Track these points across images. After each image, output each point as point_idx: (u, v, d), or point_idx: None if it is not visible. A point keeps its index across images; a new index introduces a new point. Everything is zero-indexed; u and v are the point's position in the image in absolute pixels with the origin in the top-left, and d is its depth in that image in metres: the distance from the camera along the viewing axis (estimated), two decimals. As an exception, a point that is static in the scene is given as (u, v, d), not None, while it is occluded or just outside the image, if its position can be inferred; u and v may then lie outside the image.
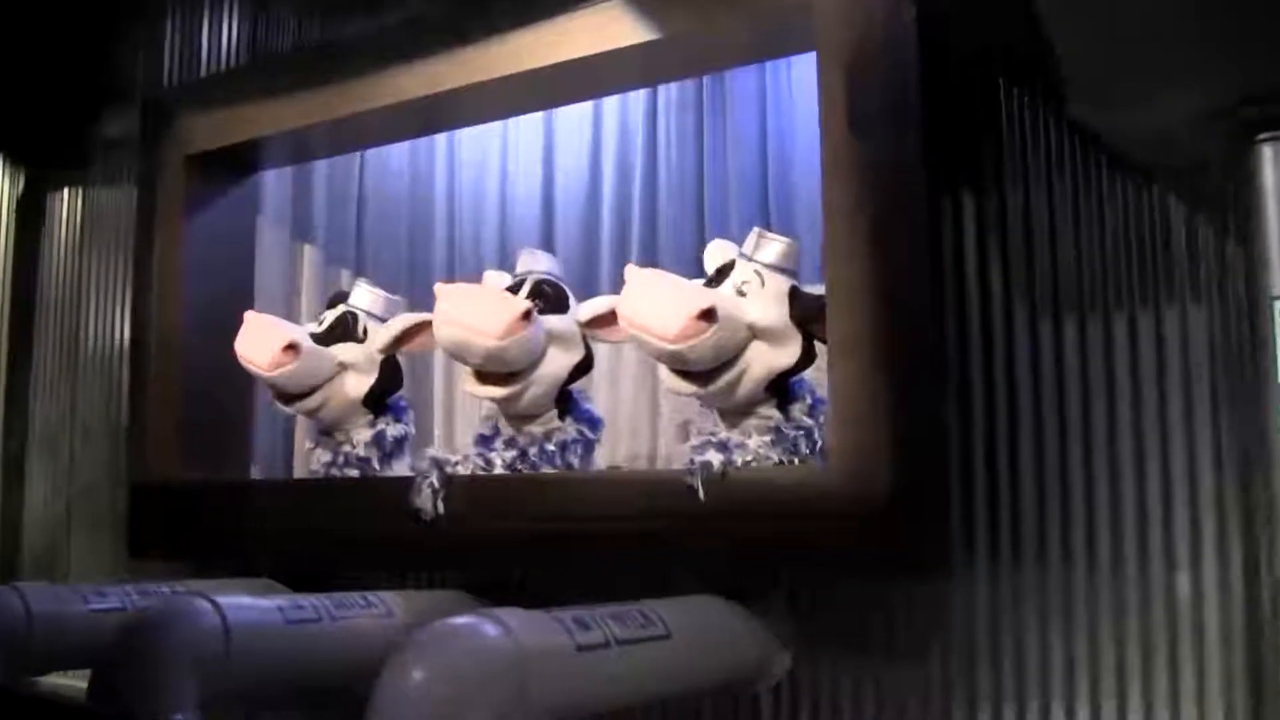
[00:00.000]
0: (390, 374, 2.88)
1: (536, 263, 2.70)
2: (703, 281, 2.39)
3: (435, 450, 2.56)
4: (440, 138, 3.45)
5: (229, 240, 3.12)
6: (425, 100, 2.75)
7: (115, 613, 2.41)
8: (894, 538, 2.00)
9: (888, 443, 2.01)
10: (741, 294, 2.30)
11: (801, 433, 2.29)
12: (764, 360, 2.25)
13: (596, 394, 3.02)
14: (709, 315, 2.14)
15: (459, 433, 3.26)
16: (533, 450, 2.55)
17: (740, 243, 2.56)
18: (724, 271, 2.36)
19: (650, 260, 3.08)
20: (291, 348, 2.67)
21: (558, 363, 2.55)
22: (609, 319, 2.54)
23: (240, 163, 3.10)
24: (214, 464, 3.01)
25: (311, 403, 2.76)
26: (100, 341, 3.45)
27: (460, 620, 1.68)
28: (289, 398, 2.76)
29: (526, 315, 2.43)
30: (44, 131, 3.56)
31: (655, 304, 2.18)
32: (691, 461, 2.20)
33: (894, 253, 2.04)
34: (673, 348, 2.15)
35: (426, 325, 2.72)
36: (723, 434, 2.26)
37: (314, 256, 3.39)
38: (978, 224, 2.17)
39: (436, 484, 2.46)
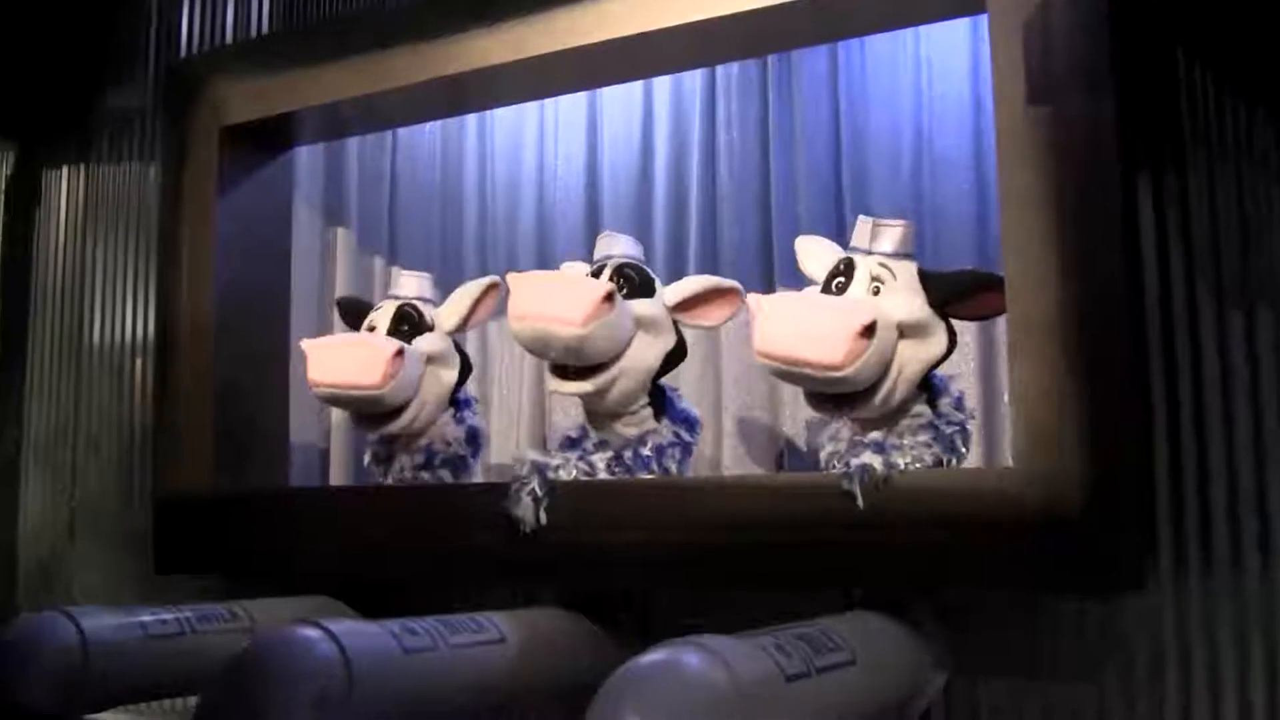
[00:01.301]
0: (464, 359, 2.67)
1: (616, 245, 2.49)
2: (818, 288, 2.20)
3: (534, 453, 2.29)
4: (472, 117, 3.18)
5: (265, 222, 2.84)
6: (473, 75, 2.54)
7: (175, 639, 2.14)
8: (1088, 548, 1.80)
9: (1079, 444, 1.81)
10: (875, 292, 2.10)
11: (956, 429, 2.11)
12: (916, 357, 2.07)
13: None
14: (871, 330, 1.95)
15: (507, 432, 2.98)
16: (627, 454, 2.33)
17: (814, 233, 2.43)
18: (843, 272, 2.15)
19: (710, 252, 2.83)
20: (400, 354, 2.43)
21: (648, 351, 2.35)
22: (700, 301, 2.39)
23: (278, 137, 2.83)
24: (249, 474, 2.73)
25: (406, 416, 2.50)
26: (108, 336, 3.12)
27: (668, 654, 1.45)
28: (381, 418, 2.50)
29: (609, 298, 2.23)
30: (38, 103, 3.22)
31: (807, 330, 1.99)
32: (847, 465, 1.98)
33: (1084, 239, 1.84)
34: (841, 374, 1.94)
35: (494, 288, 2.59)
36: (874, 433, 2.04)
37: (347, 242, 3.09)
38: (1156, 207, 1.96)
39: (539, 491, 2.21)
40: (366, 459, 2.65)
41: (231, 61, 2.81)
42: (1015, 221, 1.89)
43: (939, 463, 2.03)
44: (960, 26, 2.52)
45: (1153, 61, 1.96)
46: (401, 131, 3.18)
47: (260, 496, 2.62)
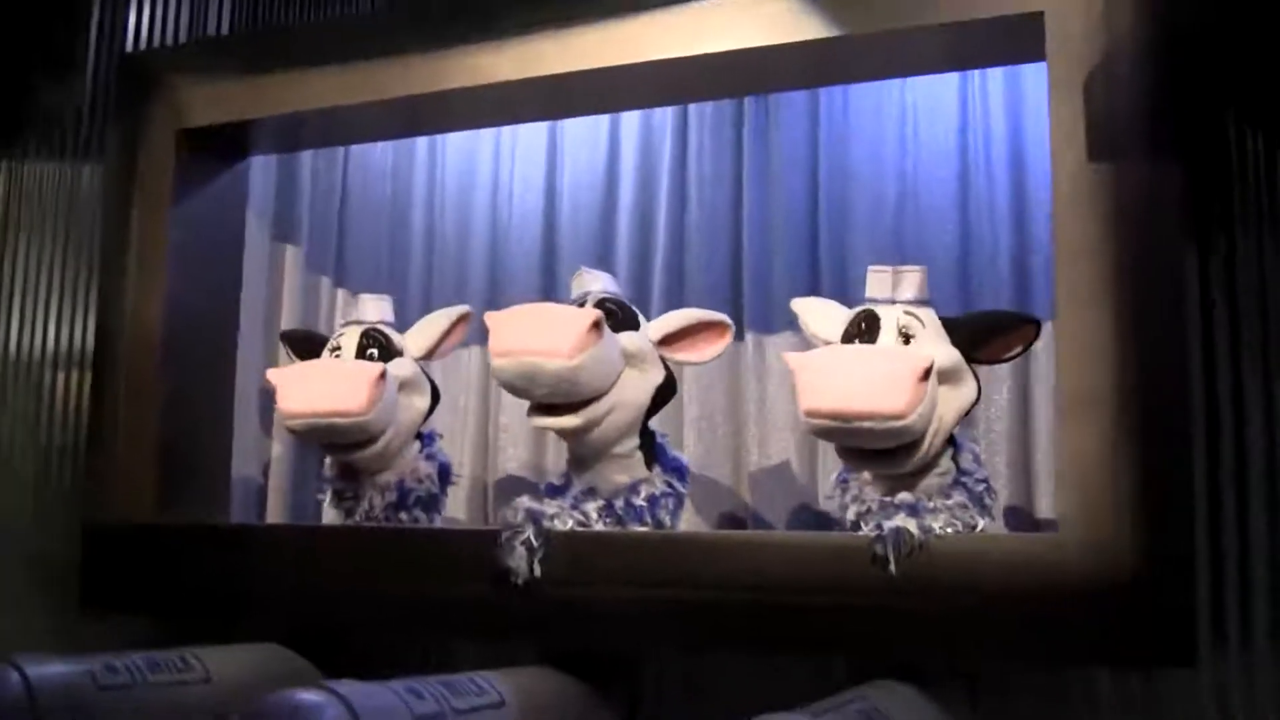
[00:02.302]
0: (433, 388, 2.50)
1: (595, 282, 2.36)
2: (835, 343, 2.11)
3: (528, 500, 2.14)
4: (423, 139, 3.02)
5: (218, 233, 2.63)
6: (450, 94, 2.41)
7: (127, 691, 1.94)
8: (1140, 620, 1.73)
9: (1131, 514, 1.75)
10: (906, 342, 2.03)
11: (983, 486, 2.05)
12: (952, 406, 2.00)
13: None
14: (929, 374, 1.87)
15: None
16: (618, 503, 2.20)
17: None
18: (866, 326, 2.06)
19: (676, 288, 2.72)
20: (383, 376, 2.27)
21: (637, 386, 2.23)
22: (687, 334, 2.29)
23: (237, 144, 2.63)
24: (188, 505, 2.50)
25: (380, 444, 2.32)
26: (24, 347, 2.85)
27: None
28: (353, 446, 2.31)
29: (596, 326, 2.10)
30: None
31: (865, 380, 1.89)
32: (879, 528, 1.88)
33: (1141, 300, 1.79)
34: (904, 423, 1.86)
35: (464, 319, 2.49)
36: (904, 494, 1.95)
37: (295, 260, 2.89)
38: (1202, 272, 1.93)
39: (535, 541, 2.06)
40: (326, 498, 2.46)
41: (192, 59, 2.60)
42: (1070, 281, 1.83)
43: (972, 526, 1.95)
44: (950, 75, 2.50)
45: (1204, 125, 1.93)
46: (354, 146, 3.01)
47: (218, 530, 2.41)
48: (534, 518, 2.09)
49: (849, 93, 2.65)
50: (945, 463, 2.02)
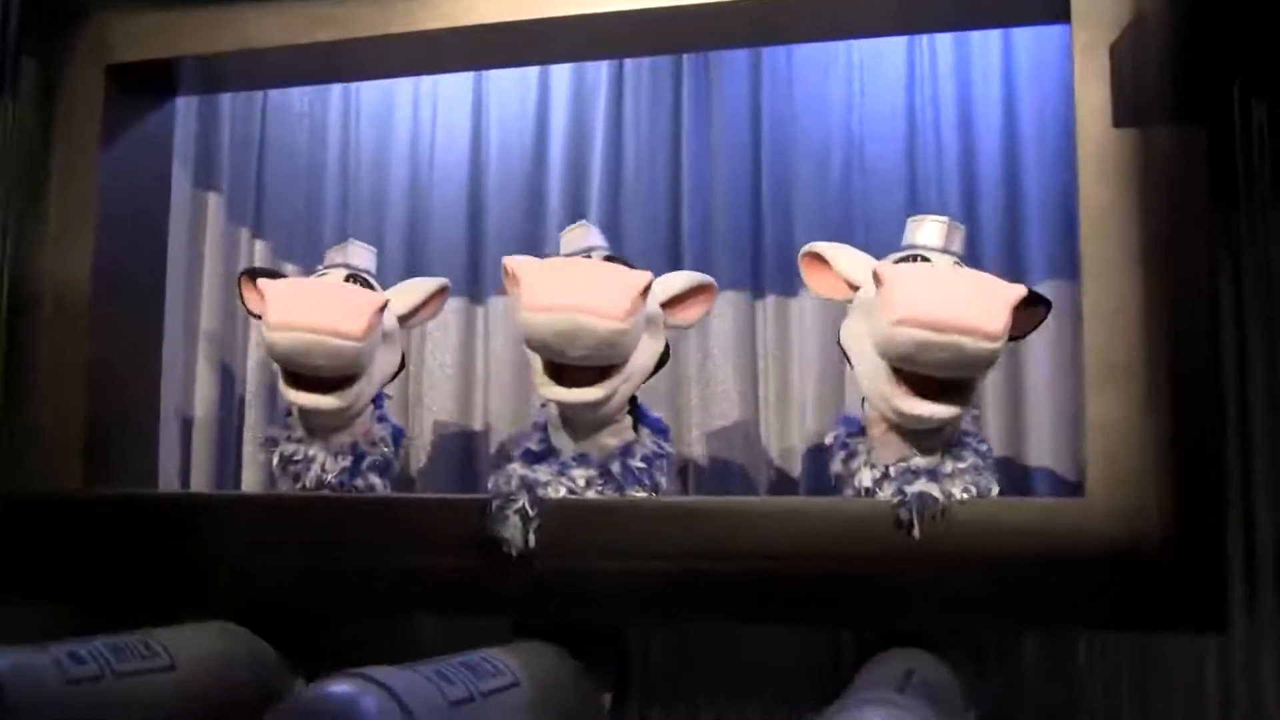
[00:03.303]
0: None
1: (591, 238, 2.26)
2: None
3: (519, 466, 2.03)
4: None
5: (146, 180, 2.41)
6: (375, 41, 2.27)
7: (97, 683, 1.75)
8: (1166, 585, 1.75)
9: (1158, 478, 1.77)
10: None
11: (986, 447, 2.03)
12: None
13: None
14: (1017, 307, 1.82)
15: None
16: (614, 466, 2.10)
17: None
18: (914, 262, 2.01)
19: (615, 247, 2.62)
20: (382, 310, 2.14)
21: (647, 352, 2.13)
22: (683, 298, 2.19)
23: (166, 83, 2.41)
24: (117, 477, 2.30)
25: (355, 388, 2.18)
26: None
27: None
28: (330, 383, 2.15)
29: (646, 291, 2.00)
30: None
31: (966, 296, 1.82)
32: (901, 493, 1.85)
33: (1169, 267, 1.79)
34: (996, 345, 1.79)
35: (443, 292, 2.37)
36: (919, 459, 1.92)
37: (217, 209, 2.68)
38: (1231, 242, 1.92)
39: (530, 510, 1.96)
40: (274, 460, 2.29)
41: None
42: (1096, 248, 1.82)
43: (987, 489, 1.92)
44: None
45: (1228, 91, 1.93)
46: (273, 90, 2.81)
47: (159, 501, 2.22)
48: (528, 485, 1.98)
49: (793, 49, 2.59)
50: (956, 423, 1.99)
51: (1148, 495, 1.76)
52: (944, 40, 2.50)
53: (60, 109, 2.28)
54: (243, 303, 2.33)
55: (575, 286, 1.97)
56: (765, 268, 2.59)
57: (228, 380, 2.68)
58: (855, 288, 2.05)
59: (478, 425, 2.70)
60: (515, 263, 2.03)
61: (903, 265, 1.93)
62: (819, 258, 2.10)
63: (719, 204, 2.62)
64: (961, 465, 1.91)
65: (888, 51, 2.55)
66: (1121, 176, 1.81)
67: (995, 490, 1.94)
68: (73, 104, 2.27)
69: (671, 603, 1.95)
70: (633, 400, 2.19)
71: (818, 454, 2.45)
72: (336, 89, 2.85)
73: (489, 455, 2.67)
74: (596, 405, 2.05)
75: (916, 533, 1.82)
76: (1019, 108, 2.46)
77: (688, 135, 2.66)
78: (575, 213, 2.70)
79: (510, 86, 2.80)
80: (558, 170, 2.74)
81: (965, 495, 1.86)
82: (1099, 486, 1.79)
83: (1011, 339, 2.01)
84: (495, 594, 1.99)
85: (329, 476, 2.24)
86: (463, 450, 2.70)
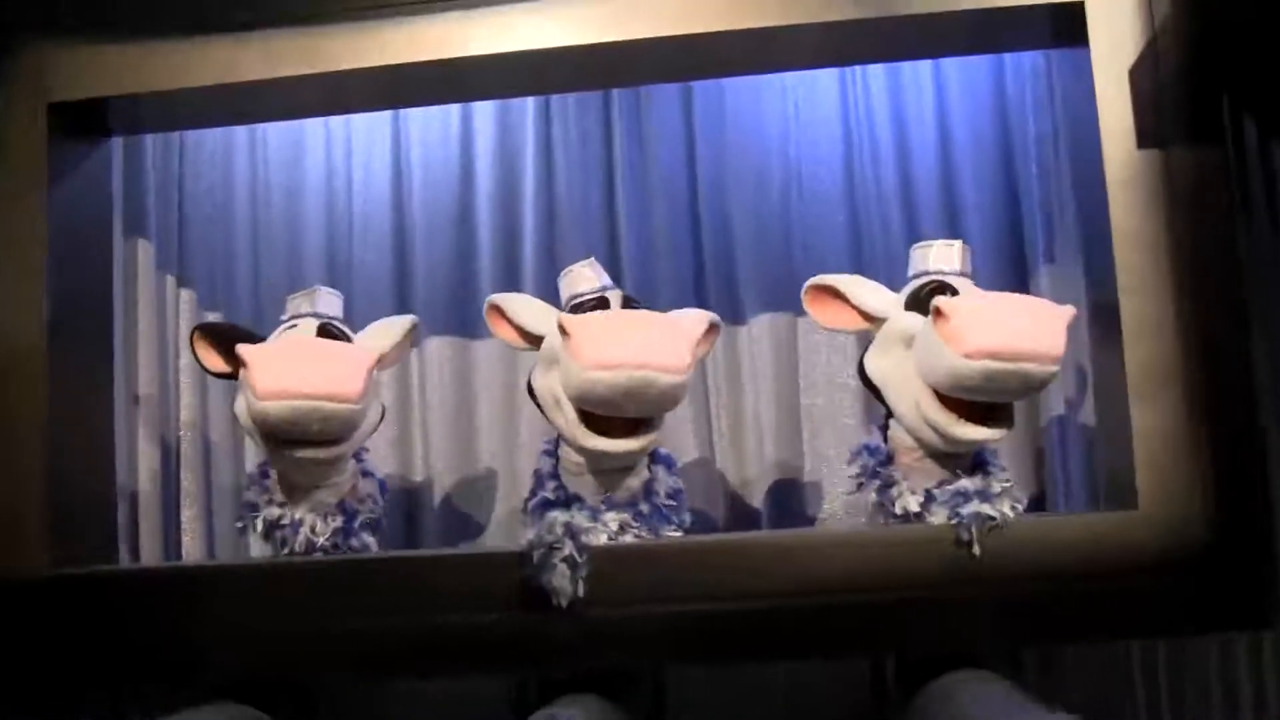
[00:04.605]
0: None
1: (603, 276, 2.18)
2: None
3: (560, 512, 1.95)
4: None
5: (91, 226, 2.20)
6: (288, 81, 2.14)
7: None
8: (1215, 590, 1.82)
9: (1203, 488, 1.83)
10: None
11: (1000, 465, 2.05)
12: None
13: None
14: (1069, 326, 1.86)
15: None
16: (644, 507, 2.05)
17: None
18: (935, 291, 2.01)
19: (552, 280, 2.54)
20: (374, 366, 1.99)
21: None
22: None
23: (104, 122, 2.22)
24: (82, 553, 2.09)
25: (344, 446, 2.04)
26: None
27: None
28: (326, 443, 2.00)
29: (711, 329, 1.98)
30: None
31: (1028, 322, 1.83)
32: (957, 514, 1.86)
33: (1198, 279, 1.87)
34: (1055, 369, 1.82)
35: (413, 330, 2.24)
36: (964, 482, 1.93)
37: (147, 257, 2.48)
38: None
39: (578, 557, 1.88)
40: (258, 525, 2.12)
41: (62, 19, 2.14)
42: (1128, 264, 1.88)
43: (1023, 506, 1.95)
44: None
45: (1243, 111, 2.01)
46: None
47: (141, 577, 2.02)
48: (573, 532, 1.90)
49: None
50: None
51: (1195, 503, 1.82)
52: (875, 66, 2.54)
53: (3, 148, 2.06)
54: (198, 361, 2.16)
55: (640, 342, 1.88)
56: (709, 296, 2.56)
57: (165, 444, 2.49)
58: (872, 319, 2.06)
59: (418, 477, 2.59)
60: (569, 319, 1.94)
61: (958, 299, 1.93)
62: (829, 290, 2.09)
63: (658, 234, 2.59)
64: (1007, 485, 1.94)
65: (821, 76, 2.58)
66: (1148, 195, 1.88)
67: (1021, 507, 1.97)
68: (15, 143, 2.06)
69: (725, 643, 1.90)
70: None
71: (781, 485, 2.48)
72: (243, 129, 2.69)
73: (434, 509, 2.57)
74: (639, 455, 1.99)
75: (977, 550, 1.84)
76: (953, 129, 2.53)
77: (621, 165, 2.61)
78: (509, 247, 2.64)
79: (431, 122, 2.70)
80: (486, 205, 2.65)
81: (1013, 512, 1.89)
82: (1148, 496, 1.84)
83: None
84: (544, 646, 1.89)
85: (320, 539, 2.08)
86: (405, 504, 2.58)
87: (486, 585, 1.91)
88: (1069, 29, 1.95)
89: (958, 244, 2.07)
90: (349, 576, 1.97)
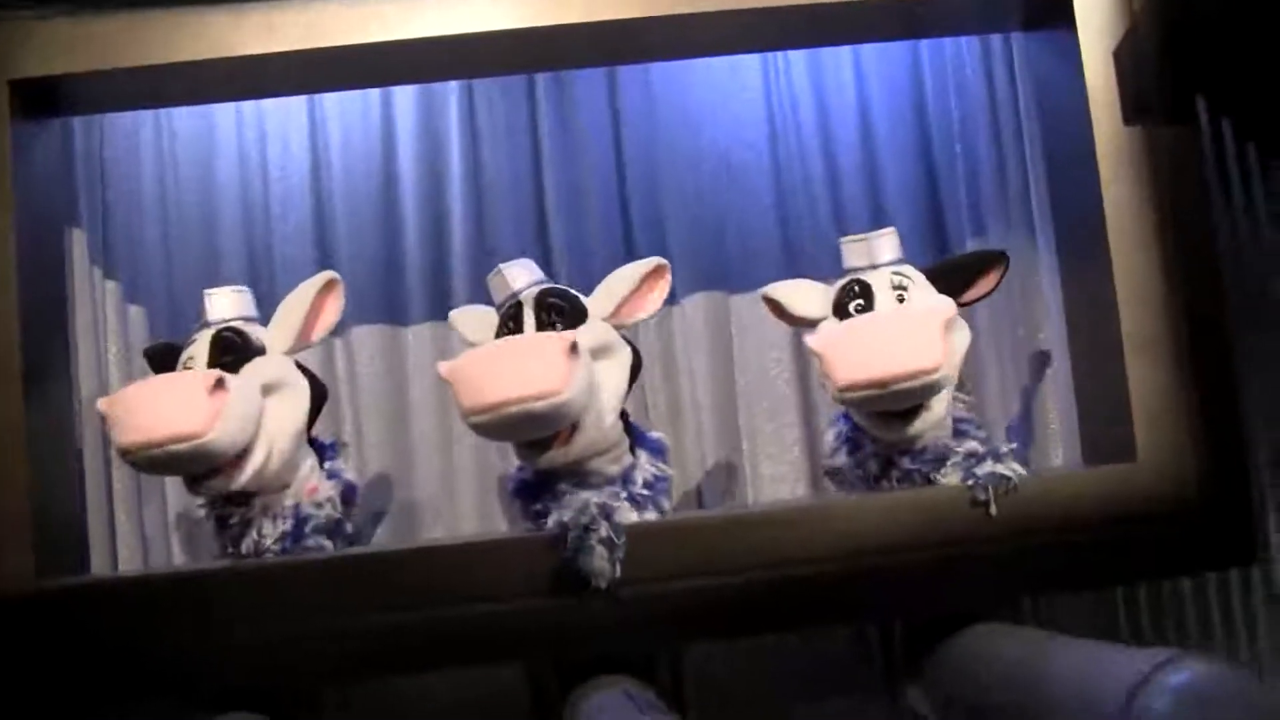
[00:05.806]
0: (315, 383, 2.13)
1: (521, 276, 2.10)
2: (828, 318, 2.13)
3: (590, 493, 1.93)
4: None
5: (54, 214, 2.06)
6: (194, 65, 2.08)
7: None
8: (1207, 531, 1.97)
9: (1192, 440, 1.98)
10: (901, 300, 2.08)
11: (984, 432, 2.16)
12: (958, 350, 2.02)
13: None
14: (951, 325, 1.95)
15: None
16: (621, 495, 2.03)
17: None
18: (860, 294, 2.10)
19: (483, 262, 2.50)
20: (221, 384, 1.84)
21: (613, 377, 2.04)
22: (632, 296, 2.09)
23: (64, 102, 2.08)
24: (68, 566, 1.98)
25: (252, 465, 1.92)
26: None
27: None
28: (219, 474, 1.90)
29: (574, 347, 1.89)
30: None
31: (897, 341, 1.90)
32: (972, 475, 1.95)
33: (1180, 248, 2.01)
34: (938, 376, 1.89)
35: (332, 286, 2.10)
36: (971, 443, 2.03)
37: (82, 248, 2.31)
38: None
39: (615, 538, 1.88)
40: (212, 521, 2.04)
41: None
42: (1120, 234, 2.01)
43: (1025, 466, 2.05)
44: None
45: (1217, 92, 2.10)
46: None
47: (133, 585, 1.91)
48: (606, 512, 1.89)
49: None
50: (957, 410, 2.12)
51: (1186, 455, 1.97)
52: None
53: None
54: None
55: (503, 377, 1.83)
56: (641, 278, 2.57)
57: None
58: (811, 322, 2.15)
59: (352, 467, 2.51)
60: (446, 368, 1.89)
61: (829, 331, 2.03)
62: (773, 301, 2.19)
63: (588, 217, 2.58)
64: (1013, 445, 2.04)
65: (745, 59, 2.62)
66: (1134, 170, 2.01)
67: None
68: (-28, 127, 1.91)
69: (752, 615, 1.94)
70: (626, 420, 2.13)
71: (719, 463, 2.54)
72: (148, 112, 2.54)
73: (370, 500, 2.49)
74: (573, 461, 1.99)
75: (993, 510, 1.93)
76: (872, 111, 2.61)
77: (547, 150, 2.59)
78: (435, 234, 2.60)
79: (350, 106, 2.62)
80: (411, 191, 2.59)
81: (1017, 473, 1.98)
82: (1147, 449, 1.98)
83: (982, 299, 2.16)
84: (580, 630, 1.89)
85: (267, 542, 2.00)
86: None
87: (503, 572, 1.90)
88: (1049, 13, 2.06)
89: (865, 237, 2.15)
90: (355, 572, 1.92)
